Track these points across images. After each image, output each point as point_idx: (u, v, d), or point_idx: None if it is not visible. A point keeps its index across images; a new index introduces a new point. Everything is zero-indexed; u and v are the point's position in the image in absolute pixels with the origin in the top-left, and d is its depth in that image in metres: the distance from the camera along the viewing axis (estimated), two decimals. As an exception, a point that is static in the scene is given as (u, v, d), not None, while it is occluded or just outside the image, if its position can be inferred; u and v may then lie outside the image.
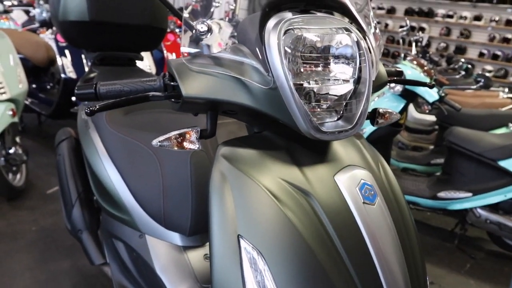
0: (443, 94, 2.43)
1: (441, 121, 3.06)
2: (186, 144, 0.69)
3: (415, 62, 2.68)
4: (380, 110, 0.83)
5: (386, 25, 8.71)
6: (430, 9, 8.26)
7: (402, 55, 2.68)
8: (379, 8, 8.71)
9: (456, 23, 7.99)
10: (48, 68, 3.80)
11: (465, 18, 7.82)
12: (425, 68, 2.65)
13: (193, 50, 0.70)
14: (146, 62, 3.65)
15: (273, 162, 0.68)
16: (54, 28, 3.66)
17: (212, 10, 0.88)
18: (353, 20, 0.73)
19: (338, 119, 0.69)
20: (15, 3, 3.18)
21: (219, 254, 0.63)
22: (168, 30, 4.46)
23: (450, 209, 2.42)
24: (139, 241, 1.21)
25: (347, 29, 0.68)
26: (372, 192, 0.68)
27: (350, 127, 0.67)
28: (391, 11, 8.71)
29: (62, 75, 3.33)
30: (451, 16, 7.98)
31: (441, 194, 2.43)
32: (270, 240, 0.61)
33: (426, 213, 2.89)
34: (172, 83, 0.69)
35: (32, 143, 3.54)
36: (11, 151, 2.45)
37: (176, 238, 1.18)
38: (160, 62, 4.00)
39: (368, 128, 2.40)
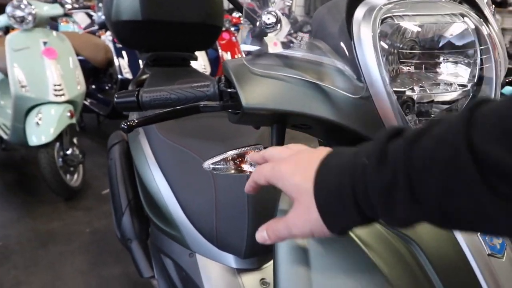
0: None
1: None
2: (246, 168, 0.55)
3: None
4: None
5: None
6: None
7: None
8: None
9: (534, 14, 7.23)
10: (107, 69, 3.88)
11: (546, 8, 7.06)
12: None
13: (256, 48, 0.56)
14: (201, 62, 3.60)
15: None
16: (112, 30, 3.72)
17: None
18: (467, 1, 0.55)
19: None
20: (76, 6, 3.28)
21: None
22: (223, 28, 4.39)
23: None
24: (189, 260, 1.09)
25: (462, 15, 0.51)
26: (499, 239, 0.50)
27: None
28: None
29: (119, 76, 3.37)
30: (528, 7, 7.24)
31: None
32: None
33: None
34: (229, 90, 0.55)
35: (91, 142, 3.63)
36: (69, 152, 2.48)
37: (229, 259, 1.05)
38: (215, 62, 3.94)
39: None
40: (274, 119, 0.56)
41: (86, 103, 3.67)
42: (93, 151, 3.31)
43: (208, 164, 0.55)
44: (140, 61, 3.40)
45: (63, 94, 2.40)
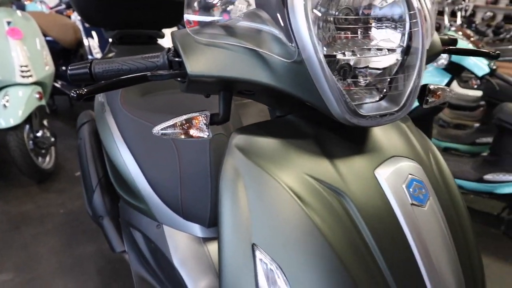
0: (494, 67, 2.19)
1: (489, 96, 2.80)
2: (193, 132, 0.58)
3: (460, 33, 2.44)
4: (431, 87, 0.68)
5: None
6: (475, -24, 7.66)
7: (448, 25, 2.44)
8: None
9: (504, -10, 7.38)
10: (77, 50, 3.79)
11: (515, -16, 7.20)
12: (472, 39, 2.41)
13: (200, 18, 0.58)
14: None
15: (298, 153, 0.55)
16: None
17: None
18: None
19: (380, 99, 0.56)
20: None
21: (230, 265, 0.52)
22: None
23: (498, 192, 2.21)
24: (156, 232, 1.13)
25: None
26: (423, 191, 0.55)
27: (396, 109, 0.53)
28: (431, -21, 8.14)
29: (89, 57, 3.30)
30: (498, -17, 7.37)
31: (488, 177, 2.23)
32: (292, 251, 0.49)
33: (469, 196, 2.68)
34: (177, 59, 0.58)
35: (63, 125, 3.57)
36: (39, 134, 2.45)
37: (195, 229, 1.09)
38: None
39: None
40: (220, 86, 0.59)
41: (57, 85, 3.59)
42: (66, 134, 3.27)
43: (157, 129, 0.57)
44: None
45: (30, 76, 2.35)
